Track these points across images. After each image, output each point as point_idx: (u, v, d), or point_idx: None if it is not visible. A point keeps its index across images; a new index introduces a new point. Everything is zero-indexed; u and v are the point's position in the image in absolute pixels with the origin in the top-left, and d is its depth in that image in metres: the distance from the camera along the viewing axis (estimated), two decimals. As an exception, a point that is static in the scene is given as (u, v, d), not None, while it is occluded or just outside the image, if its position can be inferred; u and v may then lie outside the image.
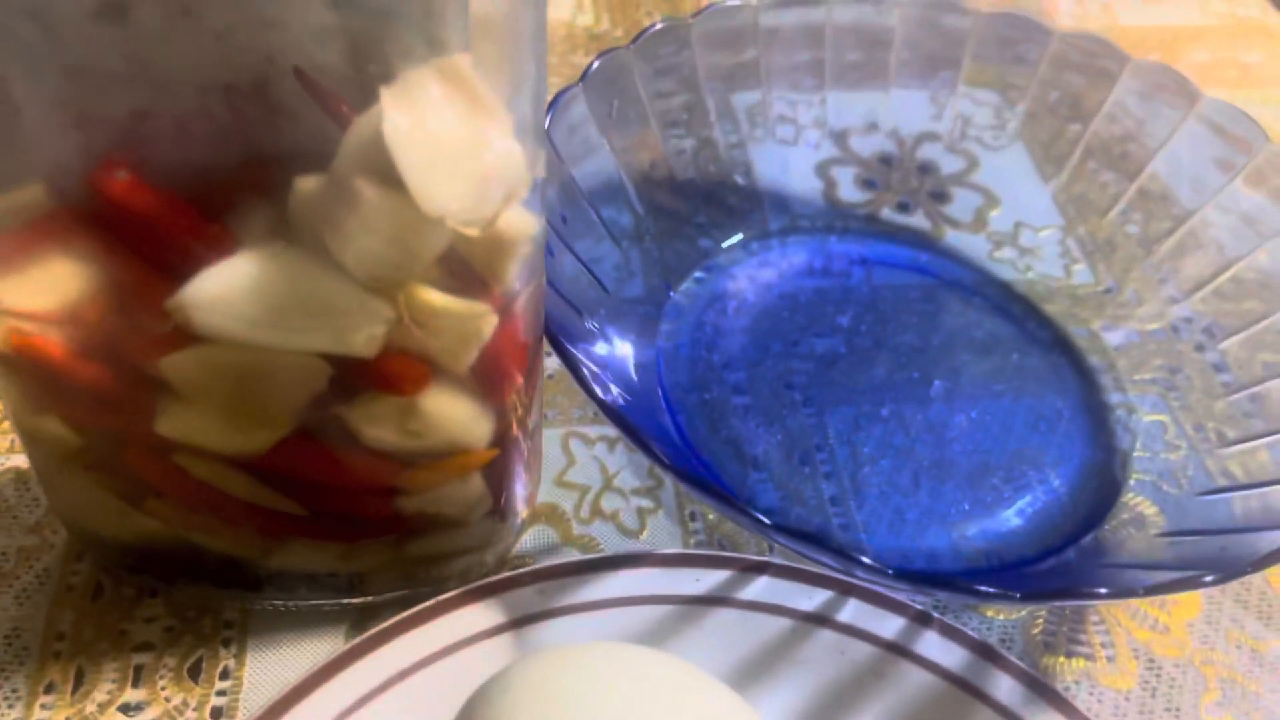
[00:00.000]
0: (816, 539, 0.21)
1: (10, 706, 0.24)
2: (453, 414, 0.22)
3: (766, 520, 0.22)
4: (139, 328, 0.20)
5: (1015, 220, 0.37)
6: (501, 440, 0.24)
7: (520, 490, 0.26)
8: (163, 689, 0.25)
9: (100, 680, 0.25)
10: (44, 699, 0.24)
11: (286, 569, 0.25)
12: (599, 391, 0.25)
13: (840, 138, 0.38)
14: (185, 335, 0.20)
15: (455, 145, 0.19)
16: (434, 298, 0.20)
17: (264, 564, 0.25)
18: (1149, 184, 0.36)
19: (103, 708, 0.24)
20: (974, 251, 0.36)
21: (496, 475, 0.24)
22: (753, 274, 0.34)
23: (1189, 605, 0.28)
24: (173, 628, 0.26)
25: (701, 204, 0.36)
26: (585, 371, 0.25)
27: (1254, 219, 0.33)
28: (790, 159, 0.37)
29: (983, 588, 0.21)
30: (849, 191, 0.37)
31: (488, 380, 0.22)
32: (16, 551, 0.27)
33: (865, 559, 0.21)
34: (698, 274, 0.34)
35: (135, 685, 0.25)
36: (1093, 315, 0.34)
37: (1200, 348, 0.33)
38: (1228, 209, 0.34)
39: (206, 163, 0.20)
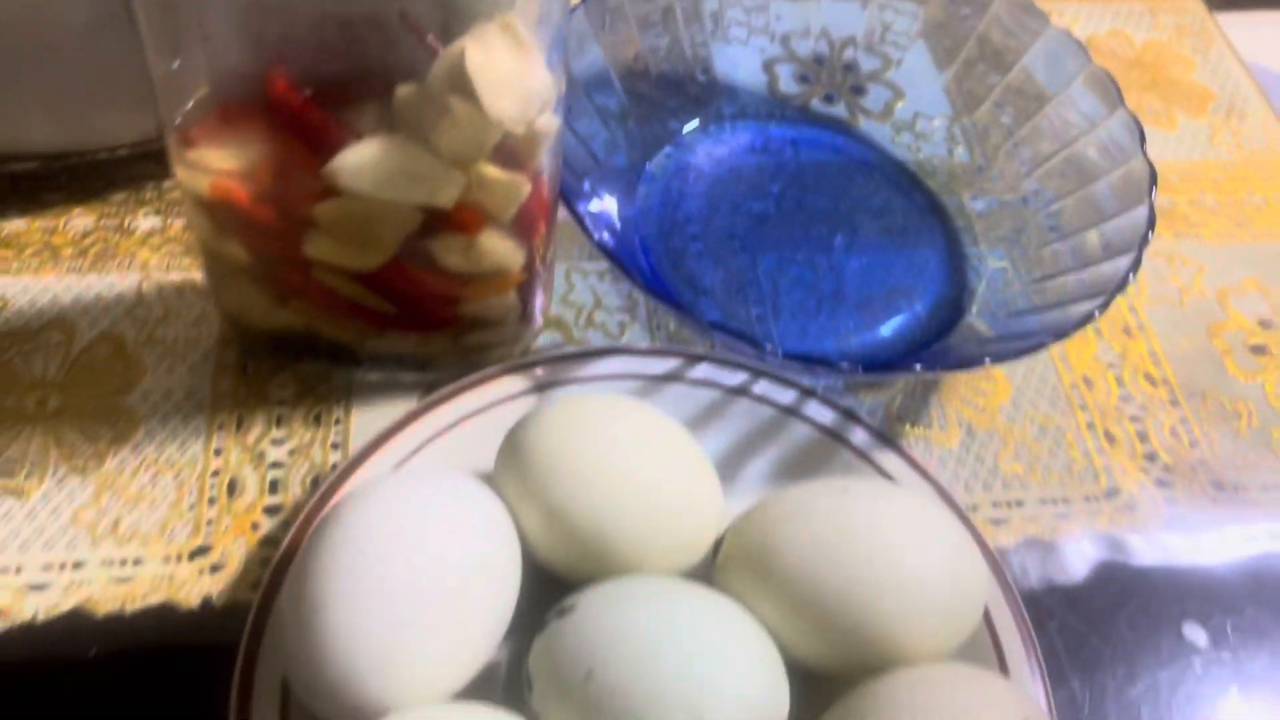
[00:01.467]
0: (736, 331, 0.33)
1: (194, 438, 0.36)
2: (499, 248, 0.33)
3: (705, 319, 0.33)
4: (299, 184, 0.31)
5: (915, 111, 0.47)
6: (529, 267, 0.35)
7: (539, 303, 0.38)
8: (296, 429, 0.37)
9: (254, 423, 0.37)
10: (218, 434, 0.36)
11: (380, 352, 0.37)
12: (594, 234, 0.36)
13: (784, 40, 0.48)
14: (331, 190, 0.31)
15: (510, 74, 0.29)
16: (491, 171, 0.31)
17: (365, 348, 0.36)
18: (1022, 83, 0.46)
19: (258, 439, 0.36)
20: (880, 137, 0.47)
21: (524, 291, 0.36)
22: (709, 150, 0.45)
23: (1003, 392, 0.41)
24: (300, 392, 0.37)
25: (672, 93, 0.46)
26: (585, 220, 0.36)
27: (1089, 115, 0.44)
28: (742, 57, 0.47)
29: (839, 363, 0.33)
30: (788, 85, 0.48)
31: (522, 226, 0.33)
32: (185, 339, 0.38)
33: (765, 344, 0.33)
34: (668, 150, 0.45)
35: (278, 426, 0.37)
36: (964, 188, 0.46)
37: (1039, 212, 0.44)
38: (1072, 104, 0.44)
39: (334, 73, 0.30)
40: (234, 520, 0.34)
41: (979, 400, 0.40)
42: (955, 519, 0.32)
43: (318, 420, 0.37)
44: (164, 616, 0.33)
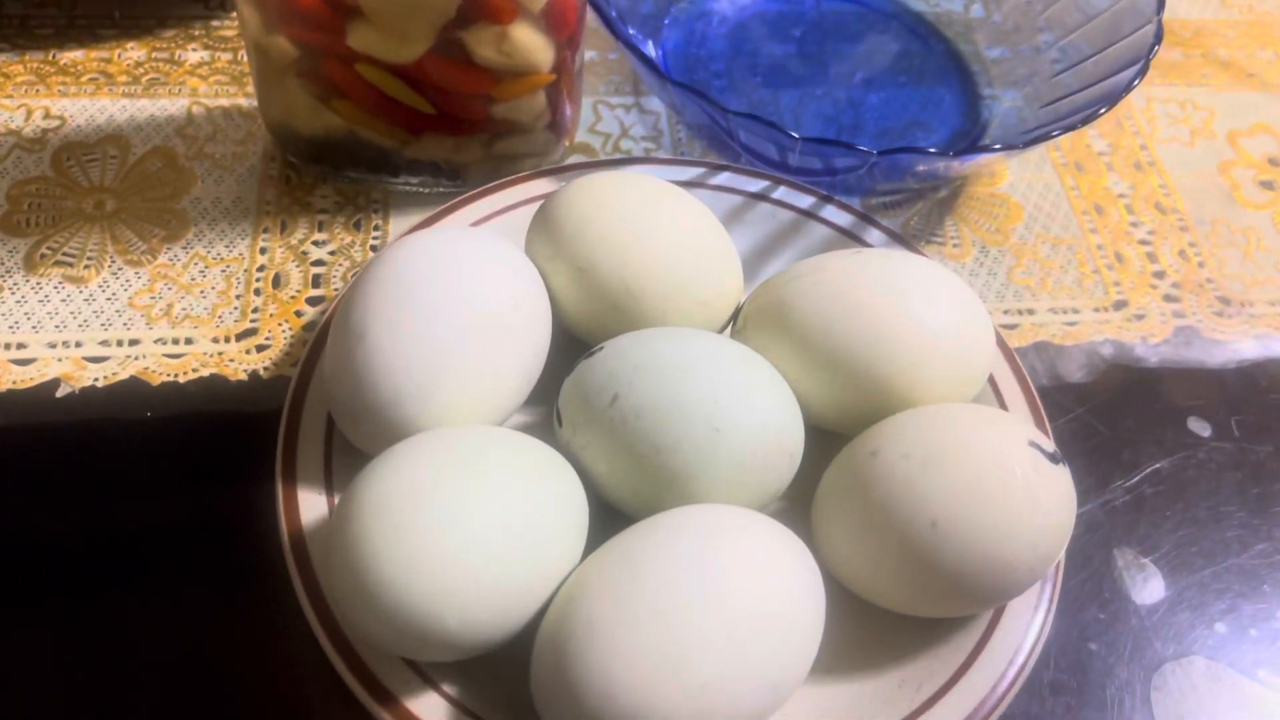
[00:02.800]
0: (763, 119, 0.34)
1: (241, 239, 0.38)
2: (530, 41, 0.35)
3: (732, 110, 0.35)
4: (343, -30, 0.33)
5: (932, -30, 0.49)
6: (558, 69, 0.37)
7: (567, 114, 0.39)
8: (337, 233, 0.38)
9: (297, 228, 0.39)
10: (263, 236, 0.38)
11: (416, 158, 0.38)
12: (630, 41, 0.37)
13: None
14: (374, -26, 0.33)
15: None
16: (525, -44, 0.33)
17: (402, 154, 0.38)
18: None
19: (301, 241, 0.38)
20: (898, -8, 0.48)
21: (554, 96, 0.38)
22: (732, -1, 0.47)
23: (1015, 216, 0.42)
24: (340, 202, 0.39)
25: (697, -53, 0.48)
26: (623, 39, 0.38)
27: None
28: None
29: (860, 147, 0.34)
30: (808, -55, 0.49)
31: (552, 20, 0.35)
32: (232, 154, 0.40)
33: (791, 132, 0.34)
34: (690, -2, 0.47)
35: (320, 230, 0.39)
36: (979, 37, 0.47)
37: (1047, 53, 0.45)
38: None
39: None
40: (279, 308, 0.36)
41: (991, 223, 0.42)
42: (964, 283, 0.33)
43: (357, 226, 0.39)
44: (214, 386, 0.35)
